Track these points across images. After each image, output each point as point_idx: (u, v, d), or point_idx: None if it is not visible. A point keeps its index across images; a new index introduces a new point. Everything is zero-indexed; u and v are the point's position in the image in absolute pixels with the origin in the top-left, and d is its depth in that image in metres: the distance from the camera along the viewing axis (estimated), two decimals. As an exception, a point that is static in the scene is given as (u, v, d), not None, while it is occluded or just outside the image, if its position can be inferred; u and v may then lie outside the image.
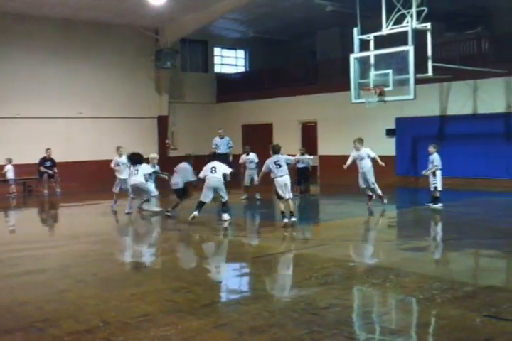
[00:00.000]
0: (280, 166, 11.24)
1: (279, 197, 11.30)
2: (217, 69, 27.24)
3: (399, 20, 14.48)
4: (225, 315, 5.81)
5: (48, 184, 19.13)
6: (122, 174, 14.56)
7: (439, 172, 13.28)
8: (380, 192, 13.55)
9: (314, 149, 21.67)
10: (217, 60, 27.30)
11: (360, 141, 13.77)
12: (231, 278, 7.69)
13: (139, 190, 13.29)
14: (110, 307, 6.09)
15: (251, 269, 8.09)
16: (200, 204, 11.96)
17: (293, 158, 11.62)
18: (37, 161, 19.42)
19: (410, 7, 14.14)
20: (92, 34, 22.13)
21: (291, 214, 11.26)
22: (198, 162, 13.47)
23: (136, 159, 13.39)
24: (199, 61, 26.63)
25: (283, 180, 11.21)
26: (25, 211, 16.53)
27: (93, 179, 21.11)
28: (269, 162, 11.38)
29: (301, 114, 22.83)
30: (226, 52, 27.75)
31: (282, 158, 11.44)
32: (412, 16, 14.11)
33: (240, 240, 10.62)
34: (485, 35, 19.20)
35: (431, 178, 13.35)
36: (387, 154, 19.52)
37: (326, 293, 6.38)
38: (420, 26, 14.16)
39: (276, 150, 11.54)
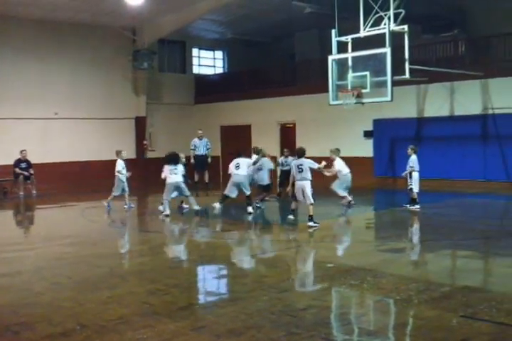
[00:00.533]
0: (302, 170, 11.32)
1: (295, 200, 11.69)
2: (195, 70, 27.13)
3: (377, 23, 14.56)
4: (202, 318, 5.77)
5: (24, 186, 18.86)
6: (125, 177, 14.72)
7: (415, 174, 13.35)
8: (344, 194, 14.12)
9: (293, 150, 21.66)
10: (195, 60, 27.20)
11: (336, 151, 14.39)
12: (208, 280, 7.66)
13: (177, 190, 13.27)
14: (86, 310, 6.02)
15: (229, 271, 8.06)
16: (224, 198, 13.18)
17: (317, 165, 11.70)
18: (12, 163, 19.16)
19: (388, 9, 14.22)
20: (69, 34, 21.89)
21: (310, 217, 11.27)
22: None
23: (174, 159, 13.46)
24: (177, 62, 26.51)
25: (300, 184, 11.32)
26: (0, 213, 16.29)
27: (70, 180, 20.94)
28: (293, 165, 11.66)
29: (280, 116, 22.84)
30: (204, 53, 27.65)
31: (306, 162, 11.48)
32: (389, 18, 14.19)
33: (219, 242, 10.57)
34: (461, 38, 19.41)
35: (408, 180, 13.44)
36: (365, 155, 19.67)
37: (304, 294, 6.37)
38: (397, 28, 14.25)
39: (301, 154, 11.66)
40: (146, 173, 23.94)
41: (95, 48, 22.55)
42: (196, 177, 19.04)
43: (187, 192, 13.32)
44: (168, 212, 12.98)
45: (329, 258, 8.58)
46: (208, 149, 19.06)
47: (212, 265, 8.46)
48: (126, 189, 14.71)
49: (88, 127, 22.49)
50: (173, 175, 13.19)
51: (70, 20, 21.45)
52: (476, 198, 15.59)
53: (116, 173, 14.66)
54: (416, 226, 12.26)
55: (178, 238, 10.97)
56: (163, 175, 13.40)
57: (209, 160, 19.15)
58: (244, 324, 5.40)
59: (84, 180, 21.65)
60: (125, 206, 14.72)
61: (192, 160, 18.83)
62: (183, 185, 13.17)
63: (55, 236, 11.00)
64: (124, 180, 14.74)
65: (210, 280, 7.63)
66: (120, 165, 14.81)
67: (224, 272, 8.09)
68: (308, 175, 11.35)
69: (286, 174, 16.06)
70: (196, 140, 18.99)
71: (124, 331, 5.27)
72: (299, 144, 22.09)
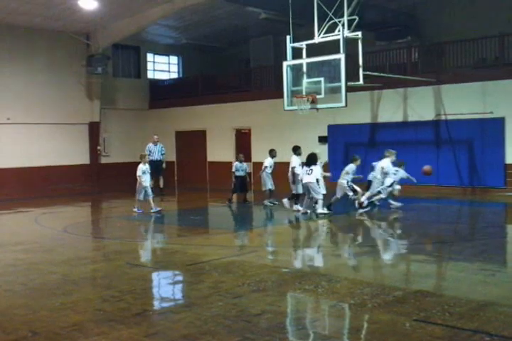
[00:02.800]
0: (310, 173, 13.11)
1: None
2: (150, 75, 26.98)
3: (331, 29, 14.72)
4: (157, 324, 5.71)
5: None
6: (147, 181, 14.47)
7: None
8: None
9: (248, 156, 21.72)
10: (150, 65, 27.04)
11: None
12: (163, 286, 7.58)
13: (308, 190, 13.40)
14: (39, 317, 5.91)
15: (184, 277, 8.00)
16: (294, 196, 14.21)
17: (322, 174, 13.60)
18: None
19: (342, 16, 14.40)
20: (21, 39, 21.52)
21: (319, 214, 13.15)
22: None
23: (313, 160, 13.49)
24: (131, 67, 26.32)
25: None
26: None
27: (24, 186, 20.56)
28: (303, 170, 13.41)
29: (235, 121, 22.87)
30: (159, 58, 27.54)
31: (316, 170, 13.26)
32: (343, 25, 14.38)
33: (175, 247, 10.48)
34: (415, 45, 19.79)
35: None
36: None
37: (259, 299, 6.36)
38: (351, 35, 14.45)
39: (312, 161, 13.33)
40: (99, 178, 23.70)
41: (49, 53, 22.24)
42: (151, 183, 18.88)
43: (319, 195, 13.48)
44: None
45: (285, 263, 8.60)
46: (162, 154, 18.94)
47: (168, 271, 8.39)
48: (150, 192, 14.44)
49: (41, 132, 22.16)
50: (306, 175, 13.47)
51: (22, 25, 21.09)
52: (430, 203, 15.86)
53: (138, 178, 14.42)
54: (370, 231, 12.40)
55: (133, 244, 10.84)
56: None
57: (163, 165, 19.03)
58: (199, 330, 5.36)
59: (39, 185, 21.30)
60: (151, 209, 14.40)
61: None
62: (313, 186, 13.33)
63: (7, 243, 10.75)
64: (147, 184, 14.47)
65: (165, 286, 7.55)
66: (141, 169, 14.51)
67: (179, 278, 8.02)
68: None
69: (241, 179, 16.07)
70: (151, 145, 18.84)
71: (77, 338, 5.20)
72: (254, 150, 22.20)
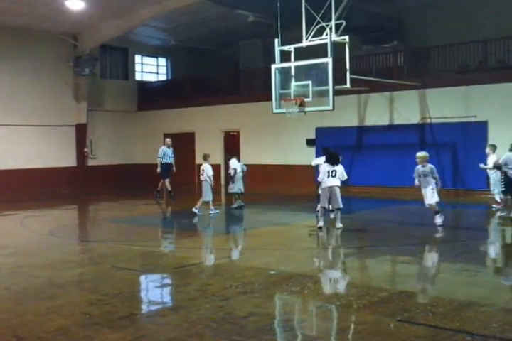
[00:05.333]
0: (335, 175, 11.33)
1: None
2: (138, 76, 26.93)
3: (319, 33, 14.82)
4: (143, 327, 5.73)
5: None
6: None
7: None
8: None
9: (237, 158, 21.70)
10: (138, 67, 27.00)
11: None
12: (150, 290, 7.59)
13: (332, 195, 11.46)
14: (24, 321, 5.88)
15: (171, 280, 8.01)
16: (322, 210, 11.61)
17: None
18: None
19: (329, 20, 14.50)
20: (7, 39, 21.39)
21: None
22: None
23: (337, 159, 11.70)
24: (119, 68, 26.27)
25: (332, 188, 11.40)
26: None
27: (9, 188, 20.41)
28: (326, 168, 11.41)
29: (224, 123, 22.91)
30: (147, 59, 27.51)
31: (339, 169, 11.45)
32: (331, 29, 14.48)
33: (161, 250, 10.49)
34: (401, 49, 19.96)
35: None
36: (308, 163, 19.87)
37: (246, 301, 6.39)
38: (339, 39, 14.55)
39: (336, 160, 11.52)
40: (86, 181, 23.58)
41: (35, 53, 22.12)
42: (159, 186, 18.72)
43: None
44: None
45: (271, 265, 8.64)
46: (173, 158, 18.77)
47: (155, 274, 8.40)
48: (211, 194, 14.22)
49: (27, 134, 22.02)
50: (330, 177, 11.57)
51: (8, 25, 20.97)
52: (414, 205, 15.94)
53: (206, 178, 14.15)
54: (356, 233, 12.45)
55: (120, 247, 10.81)
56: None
57: (174, 169, 18.80)
58: (186, 332, 5.38)
59: (24, 188, 21.16)
60: (211, 212, 14.24)
61: (159, 169, 18.47)
62: (337, 191, 11.61)
63: (-9, 246, 10.68)
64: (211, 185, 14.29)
65: (152, 290, 7.56)
66: (210, 169, 14.28)
67: (166, 281, 8.03)
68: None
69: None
70: (165, 148, 18.65)
71: (62, 342, 5.18)
72: (243, 152, 22.23)
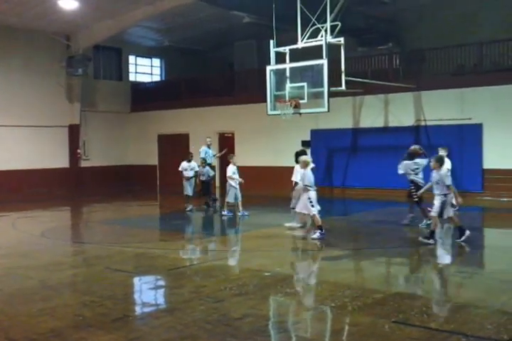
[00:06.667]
0: None
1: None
2: (131, 77, 26.84)
3: (314, 34, 14.79)
4: (137, 329, 5.68)
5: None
6: (237, 183, 14.17)
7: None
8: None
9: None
10: (131, 68, 26.90)
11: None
12: (144, 291, 7.54)
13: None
14: (17, 323, 5.83)
15: (165, 281, 7.96)
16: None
17: None
18: None
19: (325, 22, 14.47)
20: (-1, 38, 21.27)
21: None
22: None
23: (296, 157, 12.03)
24: (113, 69, 26.15)
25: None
26: None
27: (0, 189, 20.28)
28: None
29: (219, 125, 22.84)
30: (141, 60, 27.41)
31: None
32: (326, 31, 14.45)
33: (155, 252, 10.43)
34: (396, 51, 19.97)
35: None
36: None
37: (241, 303, 6.35)
38: (334, 40, 14.52)
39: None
40: (79, 182, 23.48)
41: (27, 53, 21.98)
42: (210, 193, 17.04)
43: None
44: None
45: (266, 266, 8.60)
46: (212, 158, 17.95)
47: (149, 275, 8.34)
48: (239, 195, 14.25)
49: (19, 135, 21.86)
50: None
51: (0, 24, 20.79)
52: (407, 206, 15.94)
53: (228, 180, 14.17)
54: (351, 235, 12.44)
55: (113, 248, 10.75)
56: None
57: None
58: (180, 334, 5.34)
59: (16, 189, 21.03)
60: (239, 213, 14.25)
61: (204, 171, 16.49)
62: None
63: (-17, 248, 10.60)
64: (237, 186, 14.22)
65: (146, 291, 7.51)
66: (231, 170, 14.22)
67: (160, 283, 7.99)
68: None
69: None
70: (205, 147, 17.21)
71: (55, 344, 5.13)
72: (238, 154, 22.14)
